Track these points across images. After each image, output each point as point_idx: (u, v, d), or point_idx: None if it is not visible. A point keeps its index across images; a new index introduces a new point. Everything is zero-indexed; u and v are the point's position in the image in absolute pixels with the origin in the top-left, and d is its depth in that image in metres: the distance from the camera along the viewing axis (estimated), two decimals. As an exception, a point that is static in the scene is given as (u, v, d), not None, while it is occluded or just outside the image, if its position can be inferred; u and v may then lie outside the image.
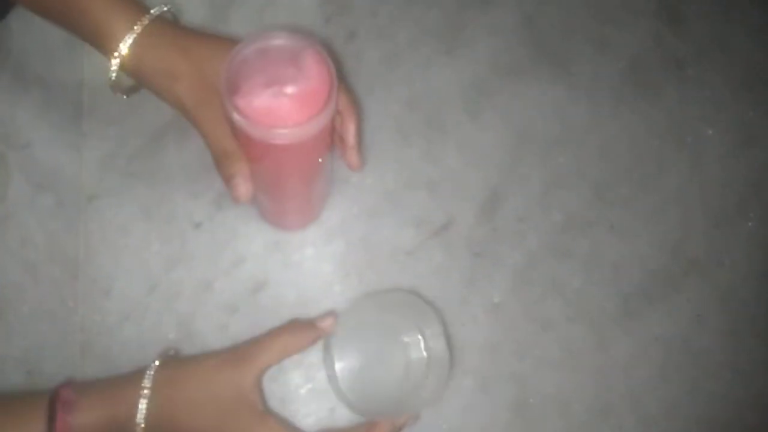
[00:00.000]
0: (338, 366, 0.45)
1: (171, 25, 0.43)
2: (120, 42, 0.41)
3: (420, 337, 0.47)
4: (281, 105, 0.36)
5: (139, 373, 0.42)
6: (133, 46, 0.41)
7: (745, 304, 0.54)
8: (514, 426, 0.50)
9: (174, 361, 0.43)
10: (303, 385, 0.49)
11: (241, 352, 0.43)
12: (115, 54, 0.41)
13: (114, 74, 0.42)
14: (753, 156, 0.57)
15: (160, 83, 0.41)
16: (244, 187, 0.41)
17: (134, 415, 0.40)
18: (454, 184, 0.54)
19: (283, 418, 0.46)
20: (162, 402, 0.40)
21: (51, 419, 0.39)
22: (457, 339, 0.51)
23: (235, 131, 0.39)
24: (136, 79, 0.43)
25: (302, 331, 0.44)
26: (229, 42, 0.41)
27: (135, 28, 0.41)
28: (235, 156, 0.40)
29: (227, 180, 0.41)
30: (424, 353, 0.47)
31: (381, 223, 0.52)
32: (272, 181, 0.43)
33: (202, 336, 0.49)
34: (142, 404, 0.40)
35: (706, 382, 0.52)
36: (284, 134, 0.36)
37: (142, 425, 0.40)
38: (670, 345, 0.52)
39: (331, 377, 0.44)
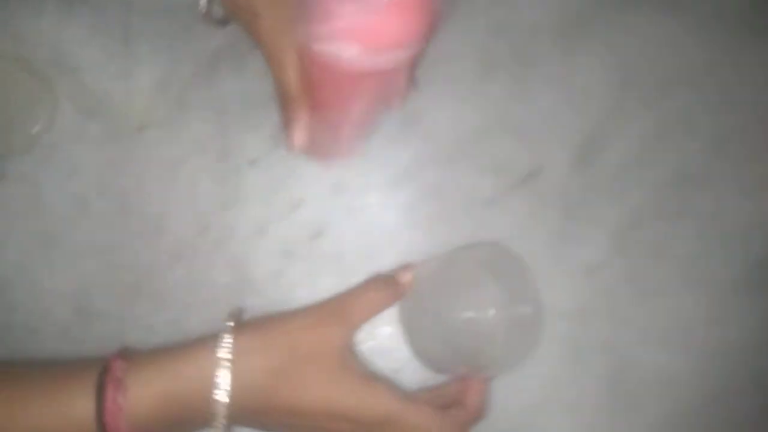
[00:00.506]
0: (413, 321, 0.40)
1: None
2: None
3: (506, 293, 0.40)
4: (374, 22, 0.30)
5: (208, 341, 0.35)
6: None
7: None
8: (606, 404, 0.43)
9: (251, 325, 0.37)
10: (364, 342, 0.43)
11: (331, 310, 0.37)
12: None
13: (204, 7, 0.39)
14: None
15: (243, 18, 0.38)
16: (300, 136, 0.38)
17: (209, 391, 0.34)
18: (544, 126, 0.47)
19: (389, 380, 0.38)
20: (246, 374, 0.34)
21: (100, 398, 0.34)
22: (545, 303, 0.43)
23: (311, 67, 0.35)
24: (226, 11, 0.40)
25: (387, 286, 0.39)
26: None
27: None
28: (297, 102, 0.37)
29: (285, 124, 0.39)
30: (509, 311, 0.40)
31: (456, 169, 0.46)
32: (334, 112, 0.38)
33: (255, 282, 0.44)
34: (224, 376, 0.34)
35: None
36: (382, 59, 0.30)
37: (226, 401, 0.34)
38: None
39: (409, 331, 0.39)
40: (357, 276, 0.43)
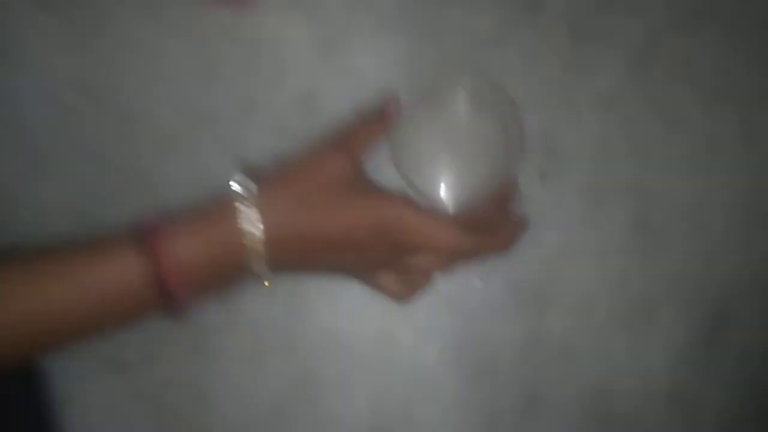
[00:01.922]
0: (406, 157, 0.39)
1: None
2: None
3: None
4: None
5: (227, 192, 0.35)
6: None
7: None
8: (636, 247, 0.41)
9: (264, 171, 0.37)
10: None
11: (330, 145, 0.38)
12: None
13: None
14: None
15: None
16: None
17: (246, 229, 0.34)
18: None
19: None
20: (273, 209, 0.35)
21: (146, 251, 0.33)
22: (558, 144, 0.41)
23: None
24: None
25: (375, 117, 0.39)
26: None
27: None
28: None
29: None
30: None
31: (450, 3, 0.41)
32: None
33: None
34: (253, 212, 0.34)
35: None
36: None
37: (261, 237, 0.34)
38: None
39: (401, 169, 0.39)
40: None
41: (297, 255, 0.37)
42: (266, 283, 0.36)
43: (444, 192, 0.39)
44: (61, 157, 0.43)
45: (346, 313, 0.42)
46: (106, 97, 0.43)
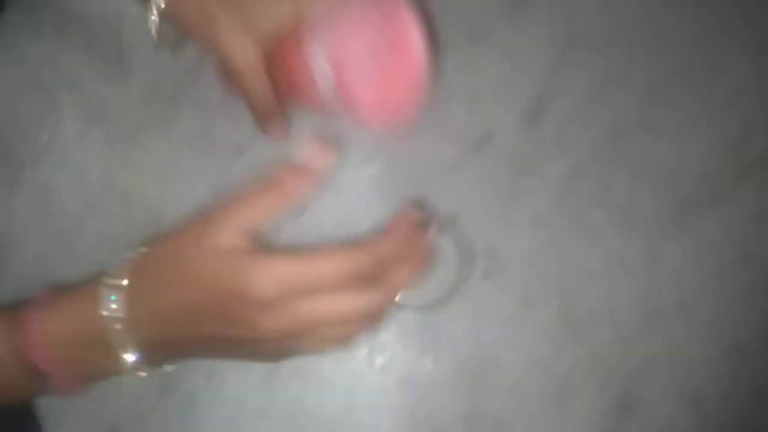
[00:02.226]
0: None
1: None
2: None
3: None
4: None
5: (100, 274, 0.36)
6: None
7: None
8: (561, 338, 0.49)
9: (140, 248, 0.37)
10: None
11: (208, 214, 0.36)
12: (153, 8, 0.39)
13: (154, 29, 0.40)
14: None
15: (198, 28, 0.40)
16: (280, 129, 0.43)
17: (106, 315, 0.33)
18: (494, 93, 0.52)
19: (288, 251, 0.36)
20: (136, 287, 0.34)
21: (14, 321, 0.33)
22: (499, 253, 0.50)
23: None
24: (180, 33, 0.41)
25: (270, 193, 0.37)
26: None
27: None
28: (270, 101, 0.42)
29: (261, 122, 0.43)
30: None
31: (418, 140, 0.51)
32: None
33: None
34: (116, 300, 0.33)
35: (762, 289, 0.50)
36: None
37: (121, 315, 0.33)
38: (727, 250, 0.50)
39: None
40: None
41: (172, 340, 0.35)
42: (141, 374, 0.35)
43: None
44: (82, 244, 0.50)
45: (314, 387, 0.47)
46: (128, 196, 0.52)
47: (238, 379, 0.47)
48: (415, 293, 0.48)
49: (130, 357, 0.34)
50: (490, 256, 0.50)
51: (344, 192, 0.51)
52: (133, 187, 0.52)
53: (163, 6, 0.39)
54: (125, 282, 0.34)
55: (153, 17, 0.39)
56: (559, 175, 0.51)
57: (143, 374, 0.35)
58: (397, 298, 0.45)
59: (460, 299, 0.49)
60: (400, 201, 0.51)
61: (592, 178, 0.51)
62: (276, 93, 0.44)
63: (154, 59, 0.52)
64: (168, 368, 0.38)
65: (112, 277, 0.35)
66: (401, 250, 0.37)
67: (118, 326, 0.34)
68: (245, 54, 0.40)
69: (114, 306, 0.34)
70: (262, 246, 0.35)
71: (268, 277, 0.32)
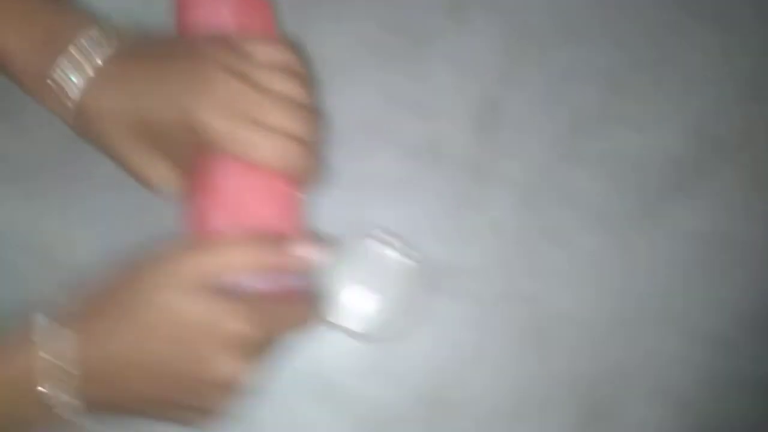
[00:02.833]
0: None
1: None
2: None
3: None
4: None
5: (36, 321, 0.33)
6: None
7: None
8: (527, 351, 0.47)
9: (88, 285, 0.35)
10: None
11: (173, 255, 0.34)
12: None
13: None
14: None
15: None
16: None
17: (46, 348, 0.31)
18: (444, 99, 0.49)
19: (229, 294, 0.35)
20: (86, 325, 0.33)
21: None
22: (459, 265, 0.48)
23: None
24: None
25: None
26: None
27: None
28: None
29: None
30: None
31: (365, 153, 0.48)
32: None
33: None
34: (58, 330, 0.32)
35: (742, 276, 0.47)
36: None
37: (67, 356, 0.31)
38: (700, 240, 0.48)
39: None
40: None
41: (119, 383, 0.34)
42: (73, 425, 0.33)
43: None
44: None
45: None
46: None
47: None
48: (369, 319, 0.46)
49: (65, 405, 0.32)
50: (449, 271, 0.48)
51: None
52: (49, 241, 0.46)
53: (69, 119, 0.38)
54: (74, 320, 0.33)
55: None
56: (518, 177, 0.49)
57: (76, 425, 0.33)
58: (352, 325, 0.45)
59: (417, 320, 0.47)
60: (346, 217, 0.48)
61: (553, 177, 0.48)
62: None
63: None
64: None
65: (55, 316, 0.33)
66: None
67: (59, 369, 0.32)
68: (161, 175, 0.40)
69: (58, 345, 0.32)
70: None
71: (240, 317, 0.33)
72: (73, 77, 0.37)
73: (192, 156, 0.38)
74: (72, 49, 0.37)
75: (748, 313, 0.48)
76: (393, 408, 0.46)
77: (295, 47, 0.41)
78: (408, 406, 0.46)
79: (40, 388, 0.32)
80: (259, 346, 0.34)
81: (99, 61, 0.37)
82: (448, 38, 0.49)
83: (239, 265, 0.34)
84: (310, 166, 0.39)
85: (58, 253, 0.45)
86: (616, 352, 0.47)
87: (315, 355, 0.45)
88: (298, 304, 0.38)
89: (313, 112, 0.40)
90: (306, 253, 0.37)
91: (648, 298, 0.48)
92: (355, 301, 0.46)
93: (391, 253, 0.47)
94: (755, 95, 0.48)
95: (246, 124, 0.36)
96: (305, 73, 0.40)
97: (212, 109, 0.36)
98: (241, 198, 0.38)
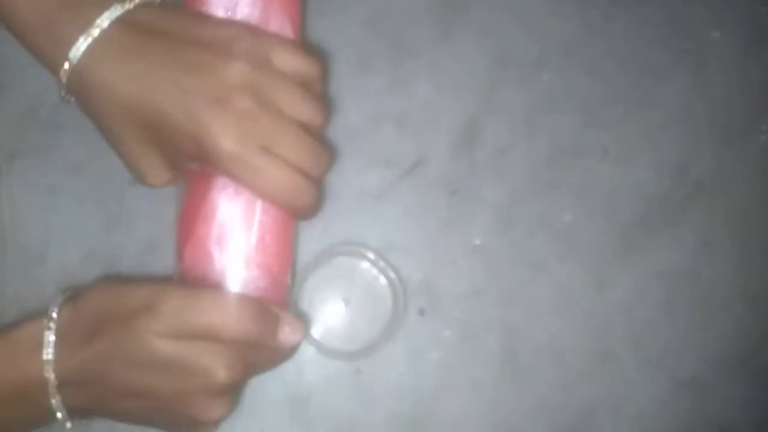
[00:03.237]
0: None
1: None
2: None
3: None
4: None
5: (39, 317, 0.35)
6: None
7: (757, 228, 0.48)
8: (504, 379, 0.45)
9: (80, 302, 0.36)
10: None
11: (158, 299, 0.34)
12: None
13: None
14: (766, 59, 0.50)
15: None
16: None
17: (40, 367, 0.33)
18: (425, 115, 0.48)
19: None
20: (75, 349, 0.34)
21: None
22: (436, 287, 0.46)
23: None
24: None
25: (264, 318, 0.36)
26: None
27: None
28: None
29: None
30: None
31: (343, 166, 0.46)
32: None
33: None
34: (47, 346, 0.33)
35: (716, 318, 0.47)
36: None
37: (52, 377, 0.33)
38: (675, 279, 0.47)
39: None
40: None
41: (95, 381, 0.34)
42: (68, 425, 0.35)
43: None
44: None
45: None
46: (4, 233, 0.44)
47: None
48: (344, 338, 0.44)
49: (62, 412, 0.34)
50: (425, 292, 0.46)
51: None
52: (8, 224, 0.44)
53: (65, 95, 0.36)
54: (69, 325, 0.34)
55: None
56: (497, 201, 0.47)
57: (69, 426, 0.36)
58: (328, 342, 0.44)
59: (393, 340, 0.45)
60: (324, 233, 0.46)
61: (531, 205, 0.47)
62: None
63: (30, 77, 0.45)
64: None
65: (54, 319, 0.34)
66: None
67: (60, 381, 0.34)
68: (155, 172, 0.38)
69: (63, 363, 0.34)
70: None
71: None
72: (80, 36, 0.34)
73: (189, 161, 0.36)
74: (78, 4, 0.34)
75: (721, 355, 0.47)
76: (367, 426, 0.44)
77: (317, 56, 0.38)
78: (381, 424, 0.44)
79: (52, 400, 0.34)
80: (238, 386, 0.35)
81: (105, 23, 0.34)
82: (431, 54, 0.48)
83: (223, 327, 0.34)
84: (313, 203, 0.37)
85: (10, 234, 0.43)
86: (591, 387, 0.46)
87: (290, 372, 0.43)
88: (277, 346, 0.36)
89: (324, 143, 0.38)
90: (288, 337, 0.36)
91: (622, 335, 0.47)
92: (331, 319, 0.44)
93: (368, 270, 0.45)
94: (727, 137, 0.49)
95: (256, 150, 0.34)
96: (323, 93, 0.39)
97: (223, 127, 0.33)
98: (230, 229, 0.37)
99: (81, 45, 0.34)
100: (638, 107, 0.49)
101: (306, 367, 0.44)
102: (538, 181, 0.48)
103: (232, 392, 0.35)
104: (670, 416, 0.46)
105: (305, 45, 0.42)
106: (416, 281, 0.46)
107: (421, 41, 0.48)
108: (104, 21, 0.34)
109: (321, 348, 0.44)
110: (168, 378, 0.33)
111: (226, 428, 0.38)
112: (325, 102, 0.39)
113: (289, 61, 0.36)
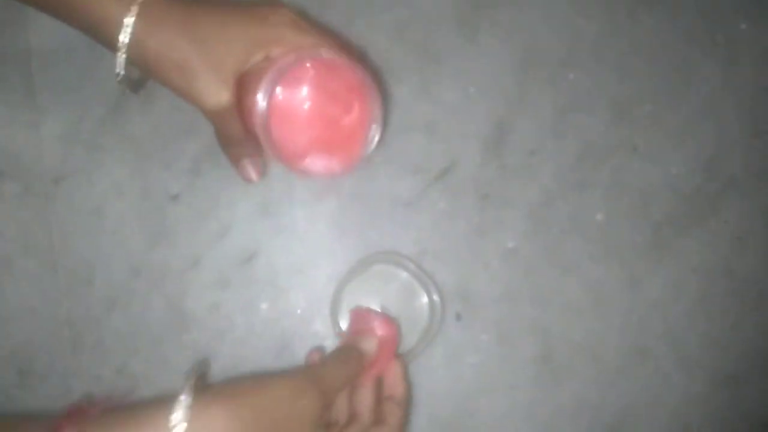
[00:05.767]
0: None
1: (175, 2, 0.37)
2: (119, 31, 0.35)
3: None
4: None
5: (165, 403, 0.32)
6: (135, 34, 0.35)
7: (793, 220, 0.48)
8: (542, 380, 0.46)
9: (215, 389, 0.34)
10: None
11: (304, 384, 0.35)
12: (119, 46, 0.35)
13: (121, 72, 0.37)
14: (796, 50, 0.49)
15: (172, 79, 0.37)
16: (255, 171, 0.42)
17: None
18: (454, 120, 0.48)
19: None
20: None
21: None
22: (470, 291, 0.46)
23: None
24: (146, 73, 0.38)
25: (356, 358, 0.40)
26: (245, 31, 0.37)
27: (132, 8, 0.35)
28: (244, 145, 0.40)
29: (236, 162, 0.42)
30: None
31: (374, 174, 0.47)
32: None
33: (194, 316, 0.45)
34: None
35: (751, 313, 0.47)
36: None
37: None
38: (709, 275, 0.47)
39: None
40: (293, 294, 0.45)
41: None
42: None
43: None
44: (2, 311, 0.45)
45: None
46: (54, 255, 0.46)
47: None
48: None
49: None
50: (461, 297, 0.46)
51: (296, 233, 0.47)
52: (57, 247, 0.46)
53: (127, 42, 0.36)
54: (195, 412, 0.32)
55: (121, 56, 0.36)
56: (528, 203, 0.47)
57: None
58: None
59: (432, 346, 0.45)
60: (359, 241, 0.46)
61: (563, 205, 0.48)
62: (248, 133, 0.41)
63: (70, 99, 0.46)
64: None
65: (183, 404, 0.32)
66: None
67: None
68: (218, 96, 0.37)
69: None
70: None
71: None
72: (125, 19, 0.35)
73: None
74: None
75: (758, 350, 0.47)
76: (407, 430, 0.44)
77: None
78: (422, 429, 0.45)
79: None
80: None
81: None
82: (458, 59, 0.48)
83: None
84: None
85: (57, 256, 0.44)
86: (628, 384, 0.46)
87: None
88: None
89: None
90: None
91: (658, 332, 0.47)
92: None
93: (404, 277, 0.46)
94: (758, 131, 0.48)
95: None
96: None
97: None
98: None
99: (128, 23, 0.35)
100: (667, 103, 0.49)
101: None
102: (568, 182, 0.48)
103: None
104: (708, 412, 0.46)
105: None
106: (451, 286, 0.46)
107: (446, 47, 0.49)
108: None
109: None
110: None
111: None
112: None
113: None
